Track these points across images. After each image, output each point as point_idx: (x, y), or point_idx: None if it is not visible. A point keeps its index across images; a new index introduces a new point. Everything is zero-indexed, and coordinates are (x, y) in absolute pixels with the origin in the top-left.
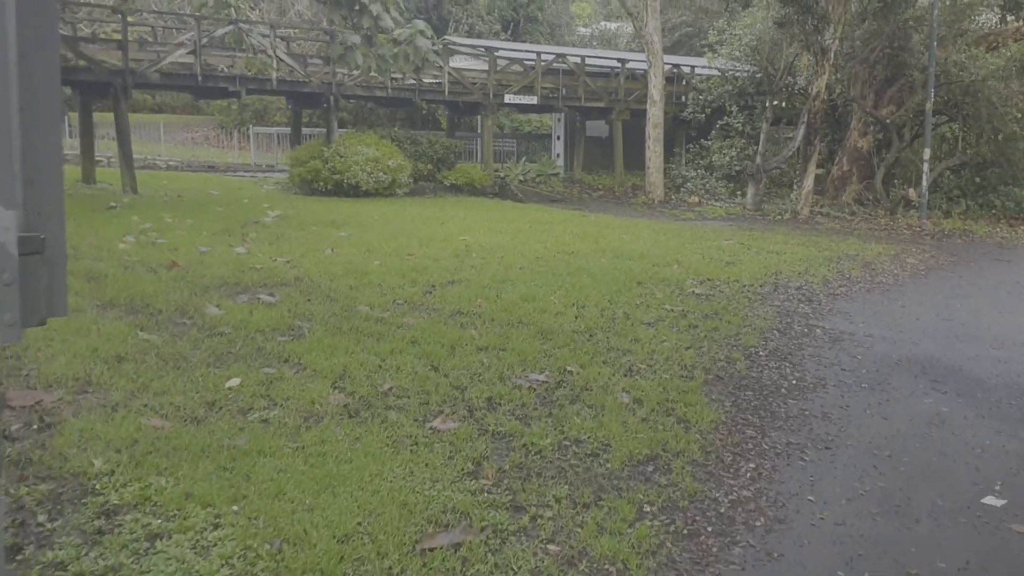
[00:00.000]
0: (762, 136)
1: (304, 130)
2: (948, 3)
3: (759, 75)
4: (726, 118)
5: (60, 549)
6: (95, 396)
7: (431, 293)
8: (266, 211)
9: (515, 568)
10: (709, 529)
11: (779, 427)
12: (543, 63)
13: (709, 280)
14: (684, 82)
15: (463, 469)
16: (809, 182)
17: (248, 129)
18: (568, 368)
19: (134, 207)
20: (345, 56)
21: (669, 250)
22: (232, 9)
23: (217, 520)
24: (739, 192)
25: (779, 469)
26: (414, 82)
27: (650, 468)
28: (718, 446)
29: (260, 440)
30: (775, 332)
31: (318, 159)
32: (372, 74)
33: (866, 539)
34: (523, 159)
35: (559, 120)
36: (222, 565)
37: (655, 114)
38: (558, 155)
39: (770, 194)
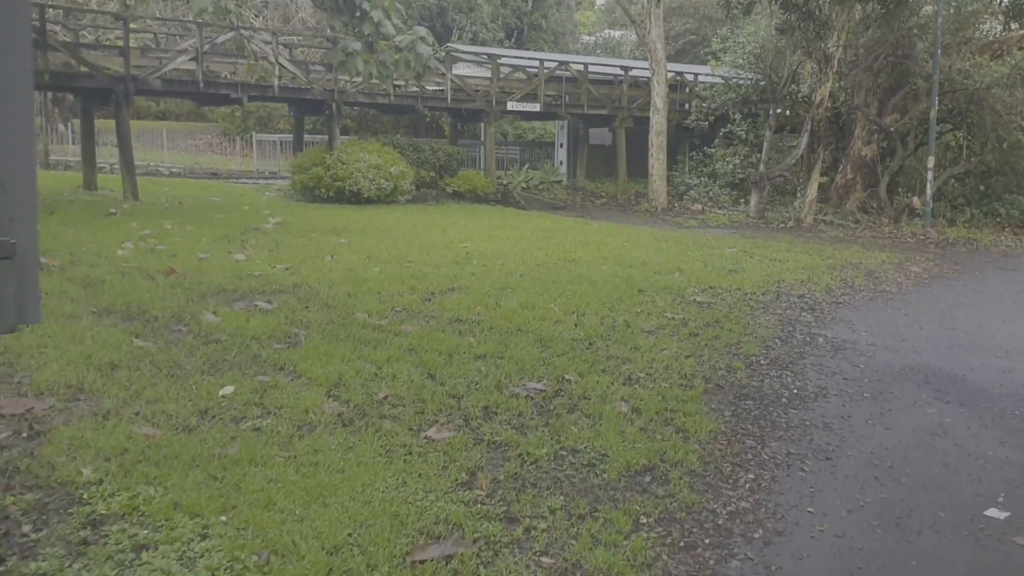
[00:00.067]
0: (765, 144)
1: (307, 137)
2: (952, 11)
3: (762, 83)
4: (729, 126)
5: (43, 560)
6: (87, 404)
7: (430, 300)
8: (267, 218)
9: None
10: (706, 541)
11: (779, 437)
12: (546, 70)
13: (711, 288)
14: (687, 90)
15: (457, 479)
16: (813, 190)
17: (251, 136)
18: (566, 377)
19: (134, 213)
20: (346, 62)
21: (671, 258)
22: (232, 15)
23: (205, 531)
24: (742, 200)
25: (779, 480)
26: (417, 89)
27: (647, 479)
28: (717, 456)
29: (252, 449)
30: (777, 341)
31: (320, 166)
32: (374, 81)
33: (866, 552)
34: (526, 166)
35: (562, 127)
36: None
37: (658, 121)
38: (561, 162)
39: (773, 202)
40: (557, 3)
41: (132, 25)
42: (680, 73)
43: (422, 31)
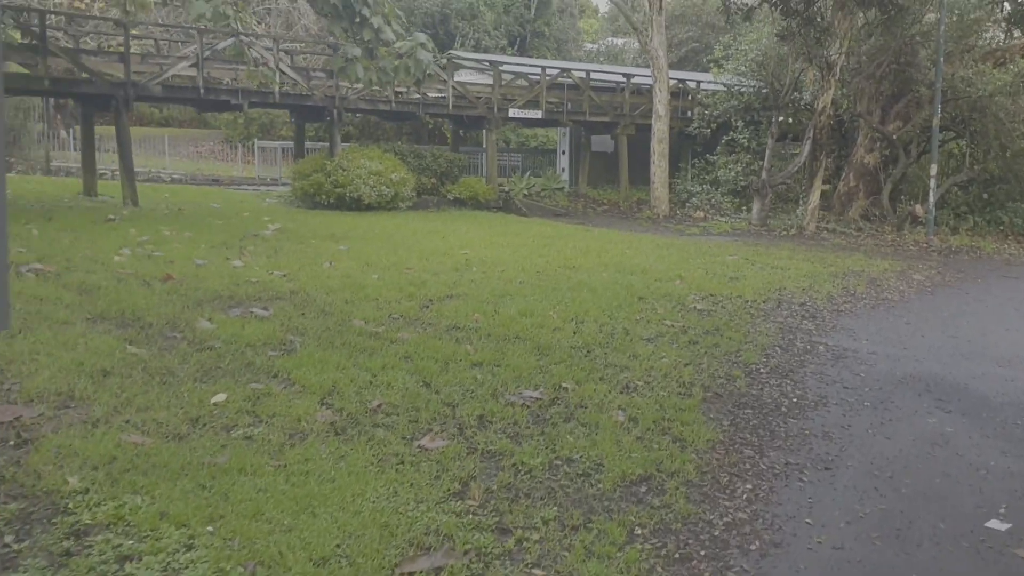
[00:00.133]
0: (768, 151)
1: (308, 144)
2: (955, 19)
3: (765, 90)
4: (732, 133)
5: (24, 572)
6: (77, 411)
7: (428, 307)
8: (266, 224)
9: None
10: (702, 553)
11: (778, 446)
12: (548, 77)
13: (711, 295)
14: (690, 97)
15: (449, 489)
16: (815, 197)
17: (253, 143)
18: (564, 385)
19: (133, 220)
20: (346, 68)
21: (672, 265)
22: (231, 21)
23: (191, 541)
24: (744, 207)
25: (776, 490)
26: (419, 96)
27: (643, 489)
28: (714, 466)
29: (242, 458)
30: (777, 349)
31: (321, 172)
32: (374, 87)
33: (865, 564)
34: (528, 173)
35: (564, 135)
36: None
37: (660, 129)
38: (563, 169)
39: (776, 209)
40: (560, 11)
41: (135, 32)
42: (682, 80)
43: (422, 37)
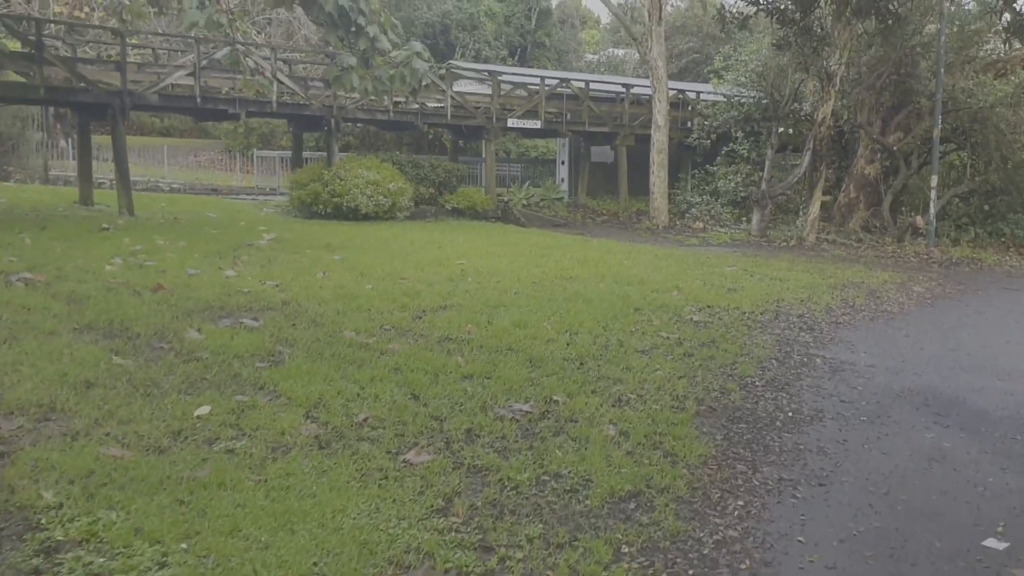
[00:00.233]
0: (767, 162)
1: (307, 154)
2: (955, 30)
3: (765, 101)
4: (732, 144)
5: None
6: (57, 424)
7: (421, 318)
8: (261, 234)
9: None
10: (690, 572)
11: (772, 462)
12: (547, 87)
13: (709, 307)
14: (689, 108)
15: (432, 506)
16: (815, 208)
17: (252, 153)
18: (555, 398)
19: (128, 229)
20: (341, 77)
21: (670, 276)
22: (226, 29)
23: (164, 559)
24: (744, 218)
25: (769, 507)
26: (417, 106)
27: (632, 505)
28: (706, 482)
29: (222, 472)
30: (773, 361)
31: (318, 182)
32: (370, 97)
33: None
34: (527, 184)
35: (564, 145)
36: None
37: (659, 139)
38: (562, 180)
39: (776, 220)
40: (561, 22)
41: (134, 41)
42: (682, 91)
43: (418, 46)
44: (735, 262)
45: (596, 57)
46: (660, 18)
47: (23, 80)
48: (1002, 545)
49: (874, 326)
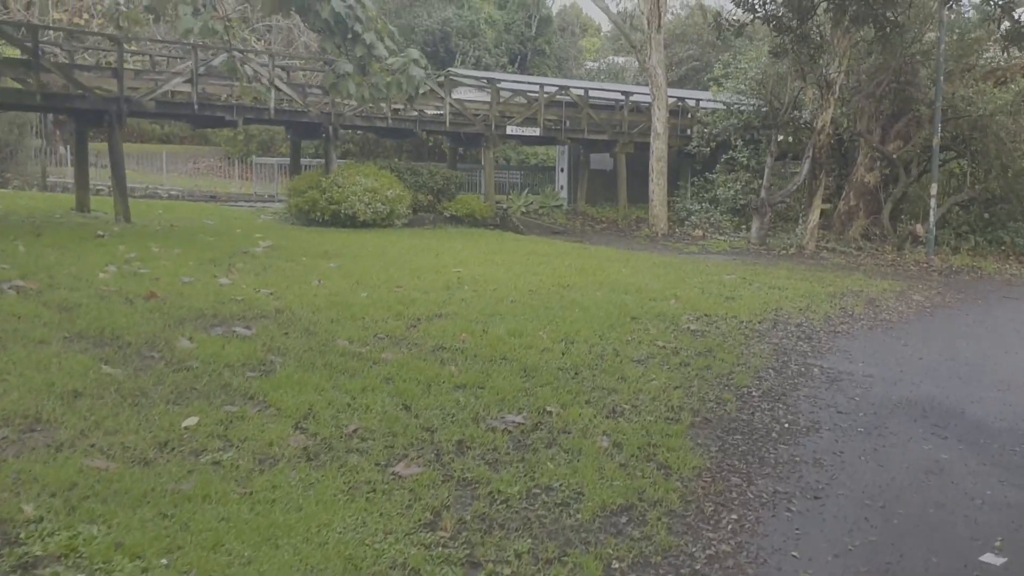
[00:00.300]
0: (767, 170)
1: (306, 160)
2: (955, 38)
3: (764, 109)
4: (731, 152)
5: None
6: (42, 435)
7: (415, 327)
8: (258, 241)
9: None
10: None
11: (767, 474)
12: (546, 95)
13: (706, 316)
14: (689, 115)
15: (420, 520)
16: (814, 217)
17: (251, 159)
18: (548, 408)
19: (123, 236)
20: (337, 84)
21: (668, 284)
22: (222, 36)
23: (144, 575)
24: (744, 226)
25: (763, 521)
26: (416, 113)
27: (623, 519)
28: (699, 495)
29: (207, 485)
30: (770, 371)
31: (316, 189)
32: (367, 104)
33: None
34: (526, 191)
35: (563, 152)
36: None
37: (659, 147)
38: (562, 187)
39: (775, 228)
40: (561, 29)
41: (133, 48)
42: (681, 99)
43: (415, 53)
44: (734, 270)
45: (596, 65)
46: (659, 26)
47: (20, 87)
48: (999, 560)
49: (873, 335)
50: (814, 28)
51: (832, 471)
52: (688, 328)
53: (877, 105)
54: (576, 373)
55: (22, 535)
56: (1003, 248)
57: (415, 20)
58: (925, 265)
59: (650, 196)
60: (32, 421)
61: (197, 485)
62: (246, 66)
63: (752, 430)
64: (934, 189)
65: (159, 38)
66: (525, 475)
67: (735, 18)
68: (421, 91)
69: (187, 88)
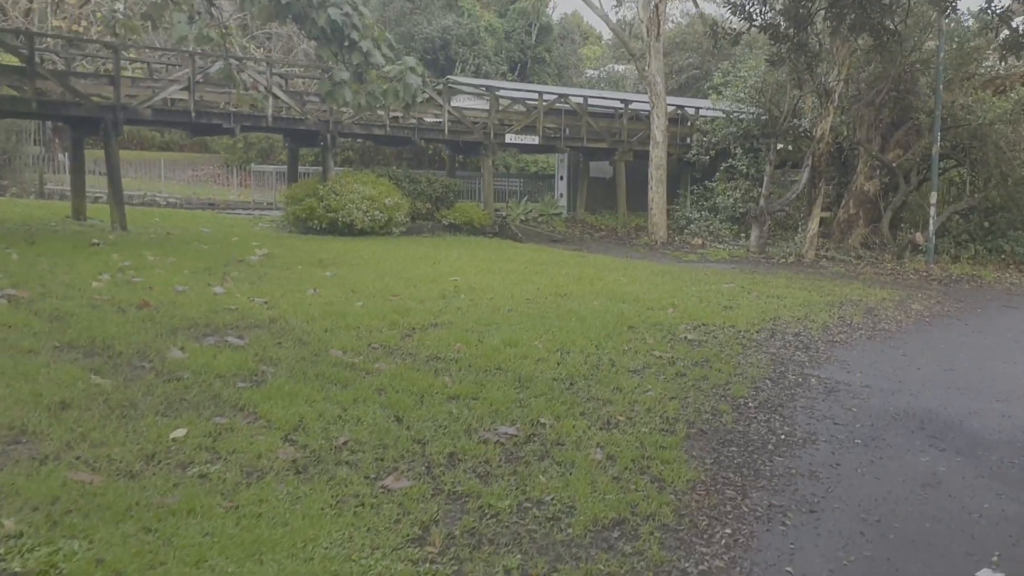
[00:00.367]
0: (766, 178)
1: (304, 168)
2: (954, 46)
3: (764, 117)
4: (731, 160)
5: None
6: (27, 447)
7: (410, 336)
8: (254, 249)
9: None
10: None
11: (762, 487)
12: (545, 103)
13: (704, 325)
14: (689, 124)
15: (408, 534)
16: (814, 225)
17: (250, 167)
18: (542, 420)
19: (118, 244)
20: (334, 92)
21: (666, 293)
22: (217, 43)
23: None
24: (743, 234)
25: (757, 535)
26: (415, 121)
27: (615, 534)
28: (693, 508)
29: (192, 498)
30: (767, 382)
31: (313, 197)
32: (364, 111)
33: None
34: (524, 199)
35: (562, 160)
36: None
37: (658, 155)
38: (561, 195)
39: (775, 237)
40: (561, 37)
41: (131, 55)
42: (681, 107)
43: (411, 61)
44: (732, 279)
45: (596, 73)
46: (659, 34)
47: (16, 94)
48: None
49: (871, 345)
50: (813, 37)
51: (828, 484)
52: (685, 337)
53: (877, 113)
54: (571, 384)
55: (1, 551)
56: (1003, 257)
57: (415, 28)
58: (925, 274)
59: (649, 204)
60: (17, 433)
61: (182, 499)
62: (243, 73)
63: (748, 442)
64: (934, 198)
65: (157, 46)
66: (516, 488)
67: (732, 27)
68: (419, 99)
69: (185, 96)
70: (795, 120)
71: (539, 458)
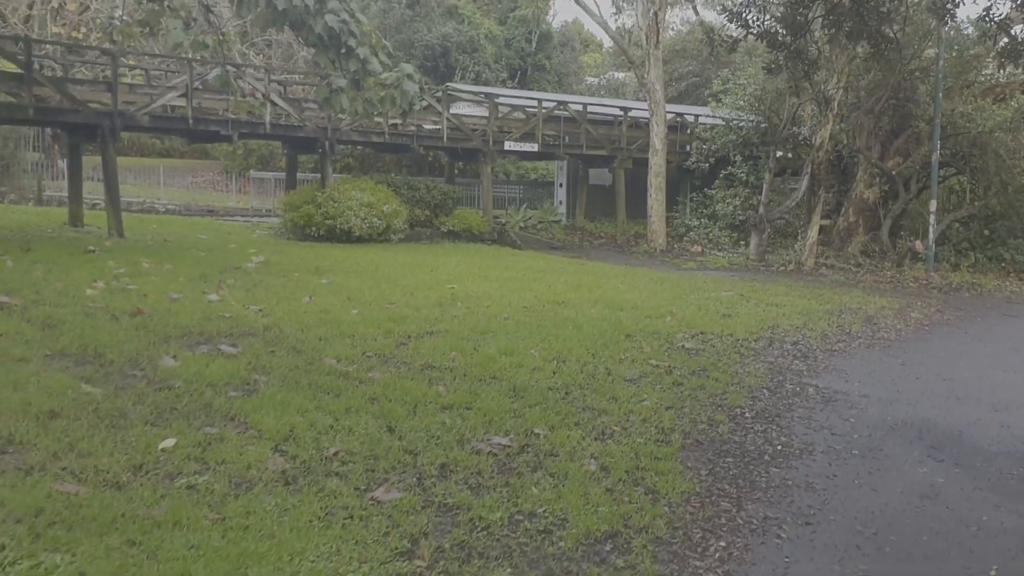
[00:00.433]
0: (765, 186)
1: (303, 175)
2: (954, 54)
3: (763, 125)
4: (730, 168)
5: None
6: (13, 457)
7: (405, 345)
8: (251, 256)
9: None
10: None
11: (757, 499)
12: (544, 110)
13: (702, 333)
14: (688, 131)
15: (397, 548)
16: (813, 233)
17: (249, 173)
18: (536, 431)
19: (114, 251)
20: (331, 99)
21: (664, 301)
22: (213, 50)
23: None
24: (743, 242)
25: (752, 548)
26: (414, 128)
27: (607, 547)
28: (687, 521)
29: (179, 510)
30: (764, 391)
31: (311, 204)
32: (361, 118)
33: None
34: (524, 206)
35: (561, 168)
36: None
37: (657, 163)
38: (560, 202)
39: (774, 244)
40: (562, 45)
41: (130, 62)
42: (680, 114)
43: (409, 68)
44: (731, 287)
45: (596, 80)
46: (658, 42)
47: (13, 100)
48: None
49: (870, 354)
50: (811, 44)
51: (825, 495)
52: (683, 346)
53: (876, 121)
54: (566, 393)
55: None
56: (1003, 265)
57: (415, 35)
58: (924, 282)
59: (648, 212)
60: (4, 443)
61: (169, 510)
62: (241, 80)
63: (744, 452)
64: (933, 206)
65: (156, 52)
66: (508, 500)
67: (729, 35)
68: (416, 106)
69: (183, 102)
70: (794, 128)
71: (532, 469)
